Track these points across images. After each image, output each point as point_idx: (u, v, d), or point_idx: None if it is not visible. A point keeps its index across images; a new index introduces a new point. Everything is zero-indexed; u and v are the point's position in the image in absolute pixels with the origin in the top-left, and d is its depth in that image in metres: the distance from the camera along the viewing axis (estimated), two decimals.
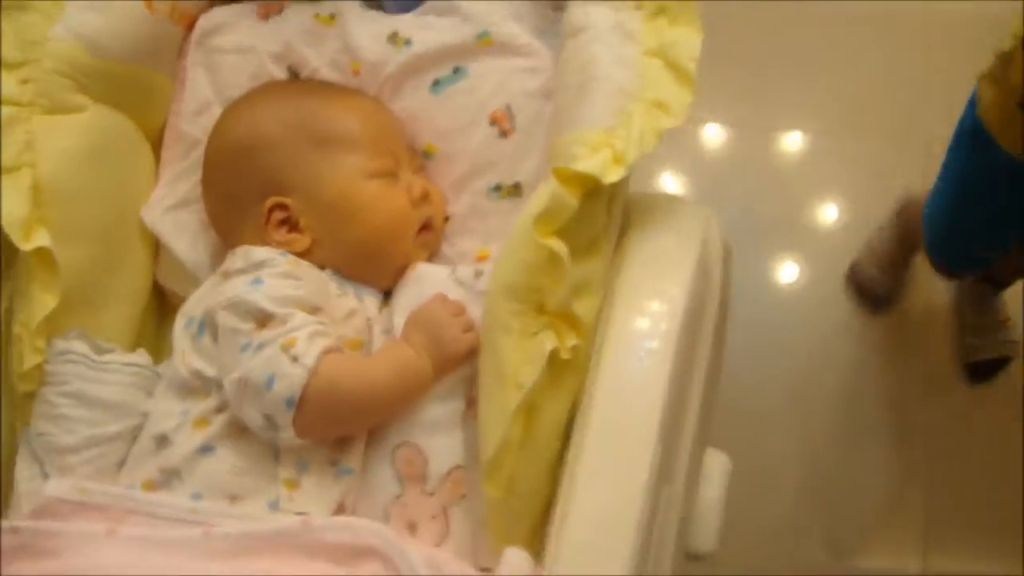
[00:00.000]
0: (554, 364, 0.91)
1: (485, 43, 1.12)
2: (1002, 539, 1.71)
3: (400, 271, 1.08)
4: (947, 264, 1.66)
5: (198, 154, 1.15)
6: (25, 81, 1.05)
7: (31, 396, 1.03)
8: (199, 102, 1.18)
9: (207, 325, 0.99)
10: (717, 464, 1.11)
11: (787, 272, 2.01)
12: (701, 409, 1.01)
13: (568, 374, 0.94)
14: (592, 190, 0.94)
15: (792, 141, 2.10)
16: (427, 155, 1.14)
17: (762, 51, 2.14)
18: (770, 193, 2.06)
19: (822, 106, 2.12)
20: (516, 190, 1.09)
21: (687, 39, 0.99)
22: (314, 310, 0.98)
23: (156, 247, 1.16)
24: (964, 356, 1.91)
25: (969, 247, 1.57)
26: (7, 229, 0.99)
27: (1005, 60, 1.16)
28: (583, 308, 0.95)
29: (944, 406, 1.87)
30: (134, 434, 1.01)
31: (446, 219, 1.13)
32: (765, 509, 1.78)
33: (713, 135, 2.17)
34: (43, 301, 1.01)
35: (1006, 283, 1.84)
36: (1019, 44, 1.11)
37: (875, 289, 1.97)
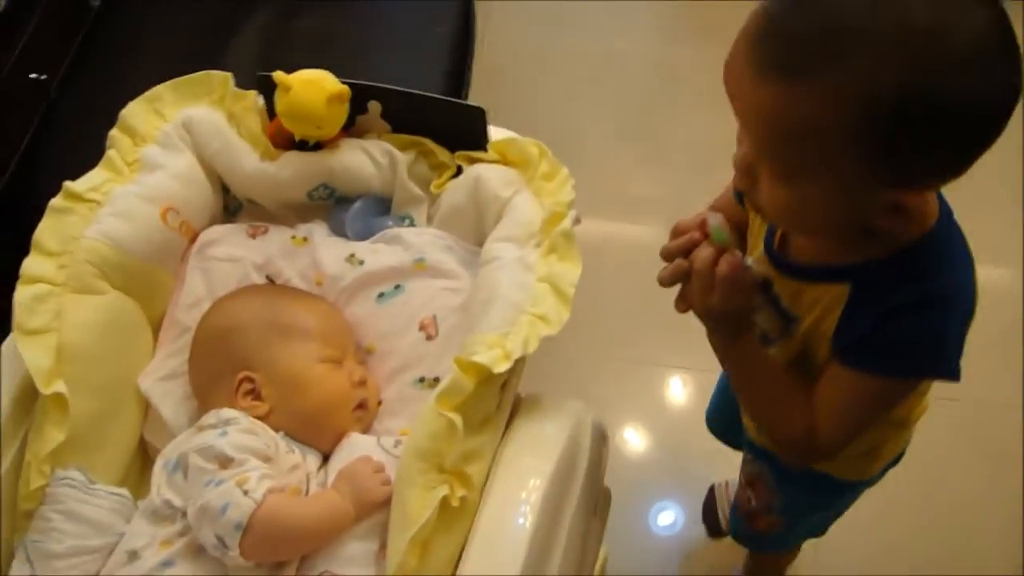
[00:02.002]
0: (445, 510, 1.09)
1: (421, 267, 1.36)
2: None
3: (338, 438, 1.28)
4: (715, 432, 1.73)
5: (187, 338, 1.35)
6: (62, 267, 1.27)
7: (30, 515, 1.20)
8: (193, 297, 1.38)
9: (180, 465, 1.19)
10: None
11: None
12: (567, 559, 1.20)
13: (458, 519, 1.11)
14: (485, 378, 1.13)
15: None
16: (368, 351, 1.36)
17: None
18: None
19: None
20: (436, 382, 1.28)
21: (570, 271, 1.24)
22: (266, 459, 1.19)
23: (146, 409, 1.34)
24: None
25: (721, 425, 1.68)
26: (33, 375, 1.19)
27: None
28: (474, 470, 1.13)
29: None
30: (111, 550, 1.20)
31: (379, 402, 1.33)
32: None
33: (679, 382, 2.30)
34: (53, 436, 1.19)
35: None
36: None
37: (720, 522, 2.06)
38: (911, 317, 1.04)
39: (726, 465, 2.03)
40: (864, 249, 1.04)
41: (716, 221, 1.06)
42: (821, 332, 1.13)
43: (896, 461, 1.45)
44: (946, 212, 1.07)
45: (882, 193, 0.95)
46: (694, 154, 2.45)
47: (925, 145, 0.89)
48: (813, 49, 0.88)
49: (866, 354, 1.08)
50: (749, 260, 1.12)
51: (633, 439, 2.24)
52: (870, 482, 1.45)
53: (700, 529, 2.11)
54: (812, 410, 1.15)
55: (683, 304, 1.11)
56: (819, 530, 1.64)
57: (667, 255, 1.10)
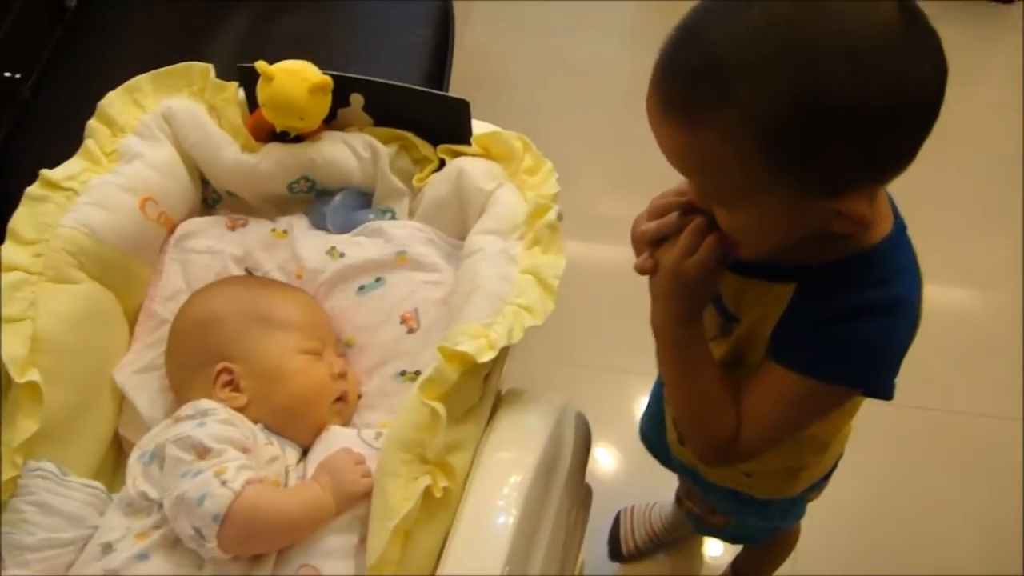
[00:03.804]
0: (428, 500, 1.08)
1: (402, 260, 1.35)
2: None
3: (317, 431, 1.26)
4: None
5: (164, 331, 1.33)
6: (37, 255, 1.25)
7: (0, 507, 1.17)
8: (171, 290, 1.37)
9: (156, 456, 1.17)
10: None
11: None
12: (549, 554, 1.20)
13: (441, 511, 1.10)
14: (470, 367, 1.12)
15: None
16: (348, 345, 1.34)
17: None
18: None
19: None
20: (417, 376, 1.24)
21: (554, 262, 1.24)
22: (244, 450, 1.17)
23: (121, 401, 1.32)
24: None
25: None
26: (7, 364, 1.16)
27: None
28: (457, 461, 1.12)
29: None
30: (84, 543, 1.17)
31: (359, 396, 1.32)
32: None
33: None
34: (25, 425, 1.17)
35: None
36: None
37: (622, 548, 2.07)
38: (853, 323, 1.03)
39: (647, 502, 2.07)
40: (814, 251, 1.04)
41: None
42: (759, 334, 1.12)
43: (820, 484, 1.45)
44: (900, 225, 1.06)
45: (821, 203, 0.94)
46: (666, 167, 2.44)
47: (832, 152, 0.89)
48: (699, 89, 0.89)
49: (801, 353, 1.07)
50: None
51: (605, 445, 2.24)
52: (799, 501, 1.44)
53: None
54: (739, 413, 1.14)
55: (651, 263, 1.09)
56: (792, 519, 1.61)
57: (658, 211, 1.08)
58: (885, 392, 1.08)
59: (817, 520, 1.64)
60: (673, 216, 1.06)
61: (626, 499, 2.12)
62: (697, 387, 1.16)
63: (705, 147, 0.92)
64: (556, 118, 2.77)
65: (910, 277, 1.06)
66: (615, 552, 2.09)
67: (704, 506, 1.54)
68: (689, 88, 0.90)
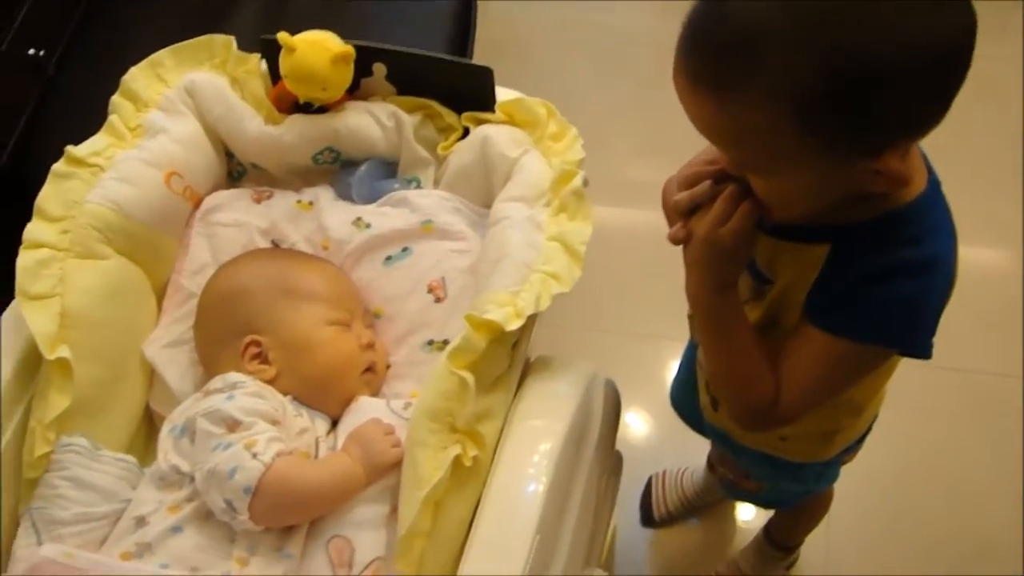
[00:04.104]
0: (458, 469, 1.08)
1: (428, 229, 1.34)
2: None
3: (346, 402, 1.27)
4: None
5: (192, 305, 1.34)
6: (64, 232, 1.25)
7: (34, 483, 1.19)
8: (198, 264, 1.38)
9: (187, 430, 1.18)
10: None
11: None
12: (580, 521, 1.20)
13: (471, 479, 1.09)
14: (497, 336, 1.12)
15: None
16: (376, 315, 1.34)
17: None
18: None
19: None
20: (445, 345, 1.26)
21: (581, 229, 1.22)
22: (274, 423, 1.17)
23: (151, 376, 1.33)
24: None
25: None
26: (38, 341, 1.17)
27: None
28: (487, 430, 1.12)
29: None
30: (117, 517, 1.18)
31: (388, 366, 1.32)
32: None
33: None
34: (57, 402, 1.18)
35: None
36: None
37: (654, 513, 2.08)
38: (890, 283, 1.02)
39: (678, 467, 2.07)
40: (849, 212, 1.03)
41: None
42: (793, 297, 1.12)
43: (855, 447, 1.45)
44: (934, 183, 1.06)
45: (859, 164, 0.94)
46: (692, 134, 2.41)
47: (868, 114, 0.88)
48: (731, 61, 0.88)
49: (838, 315, 1.06)
50: None
51: (636, 411, 2.24)
52: (833, 463, 1.44)
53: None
54: (776, 377, 1.13)
55: (684, 232, 1.08)
56: (826, 482, 1.59)
57: (689, 180, 1.08)
58: (923, 351, 1.07)
59: (849, 483, 1.62)
60: (706, 185, 1.06)
61: (657, 465, 2.13)
62: (735, 354, 1.16)
63: (737, 119, 0.91)
64: (583, 84, 2.77)
65: (945, 235, 1.05)
66: (647, 517, 2.09)
67: (737, 471, 1.53)
68: (718, 60, 0.89)
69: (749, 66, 0.87)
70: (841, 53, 0.84)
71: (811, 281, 1.08)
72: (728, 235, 1.04)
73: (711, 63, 0.90)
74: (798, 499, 1.66)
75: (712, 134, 0.97)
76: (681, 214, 1.09)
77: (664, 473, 2.10)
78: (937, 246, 1.04)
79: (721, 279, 1.11)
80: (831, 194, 1.00)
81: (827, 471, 1.50)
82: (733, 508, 2.11)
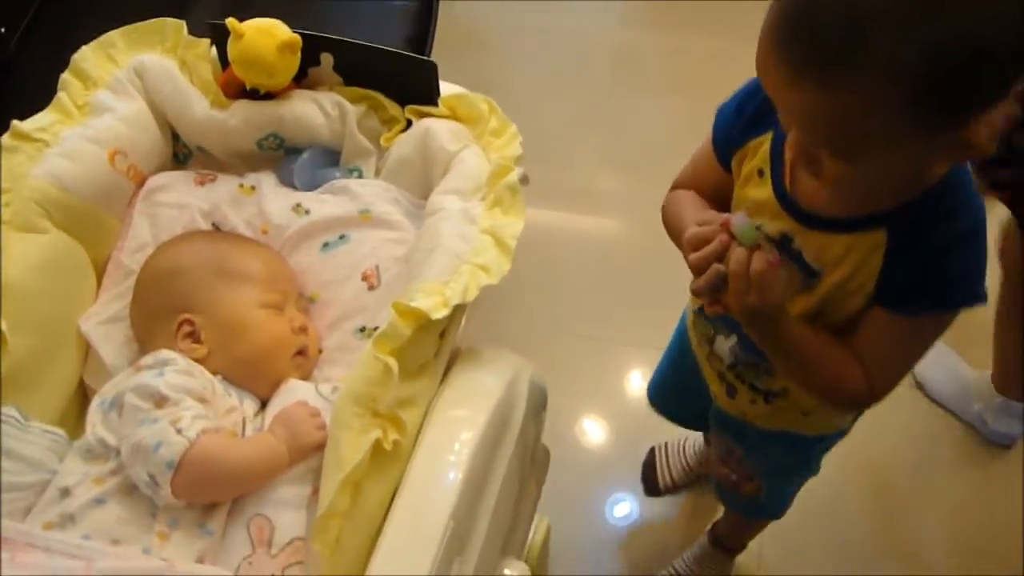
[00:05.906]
0: (378, 453, 1.09)
1: (366, 218, 1.37)
2: None
3: (276, 384, 1.28)
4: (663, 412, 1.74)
5: (131, 283, 1.35)
6: (6, 204, 1.26)
7: None
8: (139, 242, 1.39)
9: (115, 404, 1.19)
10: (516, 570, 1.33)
11: None
12: (498, 511, 1.22)
13: (391, 464, 1.11)
14: (423, 324, 1.14)
15: None
16: (312, 300, 1.36)
17: None
18: None
19: None
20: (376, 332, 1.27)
21: (513, 223, 1.25)
22: (202, 401, 1.18)
23: (87, 351, 1.34)
24: None
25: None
26: None
27: None
28: (409, 416, 1.14)
29: None
30: (43, 488, 1.18)
31: (320, 350, 1.34)
32: None
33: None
34: None
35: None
36: None
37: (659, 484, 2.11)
38: (957, 254, 1.07)
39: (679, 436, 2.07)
40: (898, 195, 1.06)
41: (741, 221, 1.06)
42: (849, 287, 1.14)
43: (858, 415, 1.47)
44: None
45: (946, 136, 0.95)
46: (656, 140, 2.43)
47: (979, 91, 0.90)
48: (838, 44, 0.88)
49: (917, 297, 1.10)
50: (758, 221, 1.10)
51: (588, 413, 2.22)
52: (843, 432, 1.47)
53: (653, 504, 2.13)
54: (858, 361, 1.16)
55: (718, 307, 1.12)
56: (810, 473, 1.62)
57: (698, 264, 1.10)
58: (984, 298, 1.12)
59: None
60: (713, 269, 1.08)
61: (616, 471, 2.15)
62: (811, 363, 1.19)
63: (843, 104, 0.91)
64: (542, 88, 2.77)
65: (973, 195, 1.09)
66: (652, 487, 2.12)
67: (742, 471, 1.56)
68: (825, 45, 0.89)
69: (858, 48, 0.87)
70: (949, 34, 0.85)
71: (873, 269, 1.11)
72: (756, 300, 1.07)
73: (817, 47, 0.89)
74: (787, 504, 1.68)
75: (811, 124, 0.97)
76: (708, 295, 1.12)
77: (666, 444, 2.12)
78: (974, 208, 1.08)
79: (771, 323, 1.14)
80: (904, 180, 1.03)
81: (829, 447, 1.52)
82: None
